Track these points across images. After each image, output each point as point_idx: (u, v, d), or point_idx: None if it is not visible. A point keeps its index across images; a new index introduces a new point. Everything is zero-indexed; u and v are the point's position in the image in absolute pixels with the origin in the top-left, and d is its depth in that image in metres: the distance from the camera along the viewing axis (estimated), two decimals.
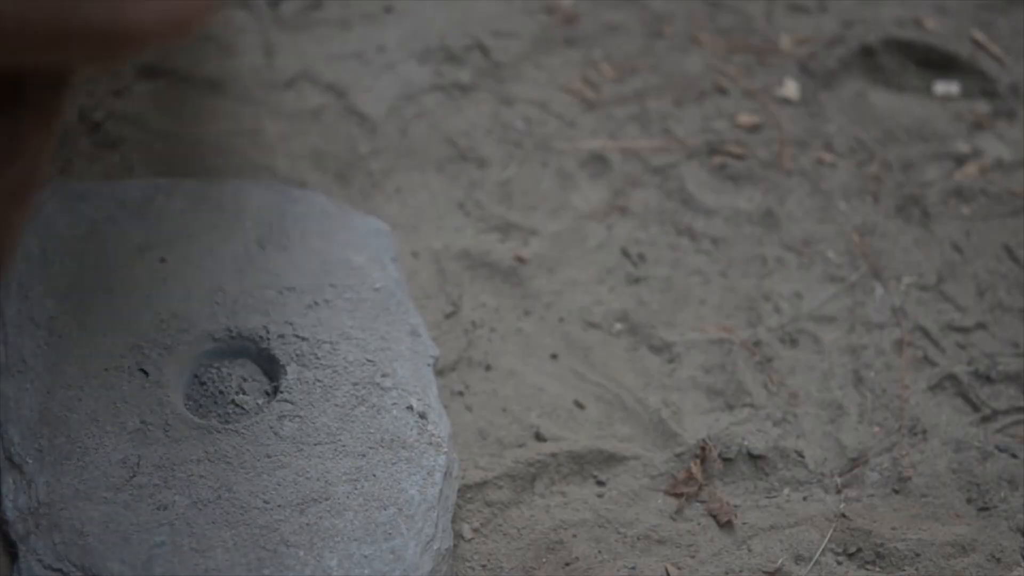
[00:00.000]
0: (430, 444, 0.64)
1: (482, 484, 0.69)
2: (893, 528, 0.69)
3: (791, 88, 0.94)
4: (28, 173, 0.34)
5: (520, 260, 0.81)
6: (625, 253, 0.82)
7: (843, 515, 0.70)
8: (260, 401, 0.66)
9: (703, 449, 0.71)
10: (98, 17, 0.31)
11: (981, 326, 0.80)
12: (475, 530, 0.67)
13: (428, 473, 0.63)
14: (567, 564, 0.66)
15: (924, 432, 0.74)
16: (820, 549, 0.68)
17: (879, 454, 0.73)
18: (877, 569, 0.68)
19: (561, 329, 0.78)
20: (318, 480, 0.62)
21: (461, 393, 0.73)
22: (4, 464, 0.62)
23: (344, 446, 0.63)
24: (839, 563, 0.68)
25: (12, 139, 0.33)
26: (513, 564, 0.66)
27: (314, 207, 0.75)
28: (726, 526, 0.69)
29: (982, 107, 0.94)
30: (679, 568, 0.67)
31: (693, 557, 0.67)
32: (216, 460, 0.62)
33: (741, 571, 0.67)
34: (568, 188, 0.86)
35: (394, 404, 0.66)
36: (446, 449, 0.64)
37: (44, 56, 0.31)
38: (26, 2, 0.30)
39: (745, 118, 0.91)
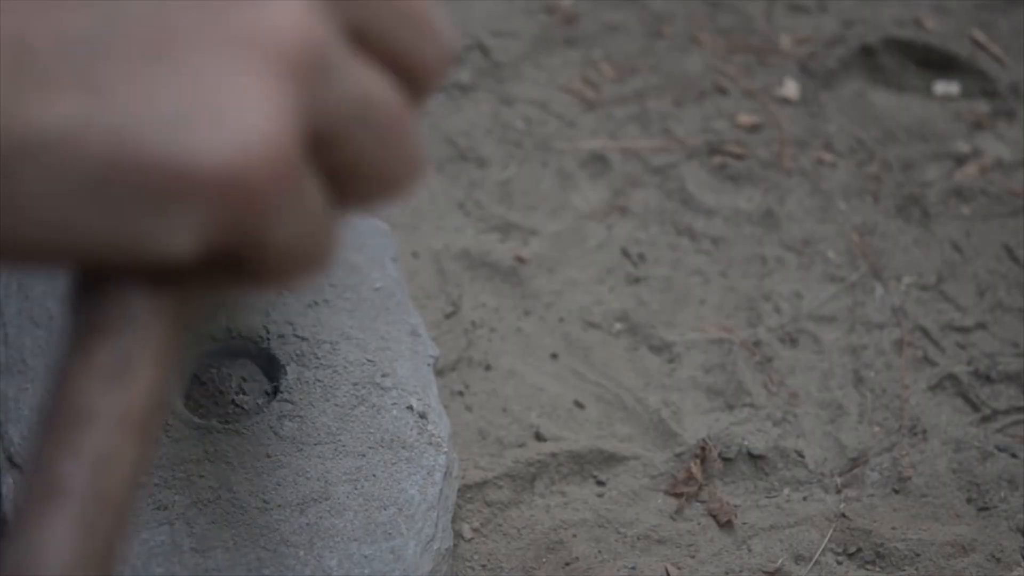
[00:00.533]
0: (430, 444, 0.64)
1: (482, 484, 0.69)
2: (893, 528, 0.69)
3: (791, 88, 0.94)
4: (144, 398, 0.29)
5: (520, 260, 0.81)
6: (625, 253, 0.82)
7: (843, 515, 0.70)
8: (260, 401, 0.66)
9: (703, 449, 0.71)
10: (161, 151, 0.26)
11: (981, 326, 0.80)
12: (475, 530, 0.67)
13: (428, 473, 0.63)
14: (567, 564, 0.66)
15: (924, 432, 0.74)
16: (820, 549, 0.68)
17: (879, 454, 0.73)
18: (877, 569, 0.68)
19: (561, 329, 0.78)
20: (318, 480, 0.62)
21: (461, 393, 0.73)
22: (4, 464, 0.62)
23: (344, 446, 0.63)
24: (839, 563, 0.68)
25: (120, 360, 0.29)
26: (513, 564, 0.66)
27: None
28: (726, 526, 0.69)
29: (982, 107, 0.94)
30: (679, 568, 0.67)
31: (693, 557, 0.67)
32: (216, 460, 0.62)
33: (741, 571, 0.67)
34: (568, 188, 0.86)
35: (394, 404, 0.66)
36: (446, 449, 0.64)
37: (108, 205, 0.27)
38: (81, 120, 0.26)
39: (745, 118, 0.91)
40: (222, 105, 0.27)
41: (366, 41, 0.30)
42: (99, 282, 0.29)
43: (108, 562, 0.29)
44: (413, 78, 0.31)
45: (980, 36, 0.98)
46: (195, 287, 0.30)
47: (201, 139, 0.27)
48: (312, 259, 0.30)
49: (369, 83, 0.30)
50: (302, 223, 0.29)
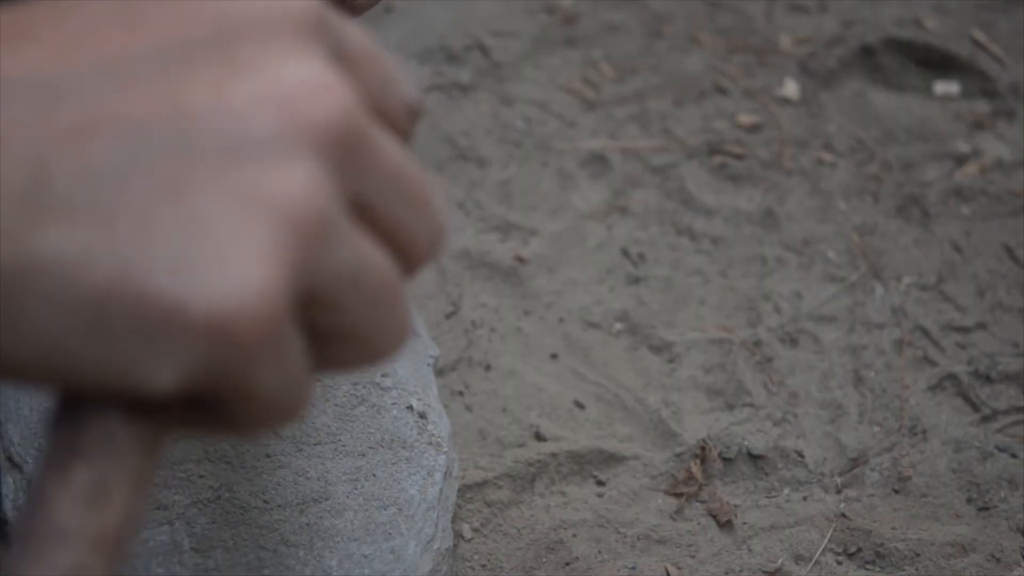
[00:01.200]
0: (430, 444, 0.64)
1: (482, 484, 0.69)
2: (893, 528, 0.69)
3: (791, 88, 0.94)
4: (118, 521, 0.31)
5: (520, 260, 0.81)
6: (625, 253, 0.82)
7: (843, 515, 0.70)
8: None
9: (703, 449, 0.71)
10: (161, 289, 0.28)
11: (981, 326, 0.80)
12: (475, 530, 0.67)
13: (428, 473, 0.63)
14: (567, 564, 0.66)
15: (924, 432, 0.74)
16: (820, 549, 0.68)
17: (879, 454, 0.73)
18: (877, 569, 0.68)
19: (561, 329, 0.78)
20: (318, 480, 0.62)
21: (461, 393, 0.73)
22: (4, 464, 0.62)
23: (344, 446, 0.63)
24: (839, 563, 0.68)
25: (97, 483, 0.30)
26: (513, 564, 0.66)
27: None
28: (726, 526, 0.69)
29: (982, 107, 0.94)
30: (679, 568, 0.67)
31: (693, 557, 0.67)
32: (216, 460, 0.62)
33: (741, 571, 0.67)
34: (568, 188, 0.86)
35: (394, 404, 0.66)
36: (446, 449, 0.64)
37: (102, 336, 0.28)
38: (83, 261, 0.28)
39: (745, 118, 0.91)
40: (222, 256, 0.28)
41: (366, 212, 0.32)
42: (82, 404, 0.31)
43: None
44: (407, 253, 0.33)
45: (980, 36, 0.98)
46: (173, 422, 0.32)
47: (197, 285, 0.28)
48: (285, 413, 0.32)
49: (365, 253, 0.31)
50: (281, 378, 0.30)
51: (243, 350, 0.29)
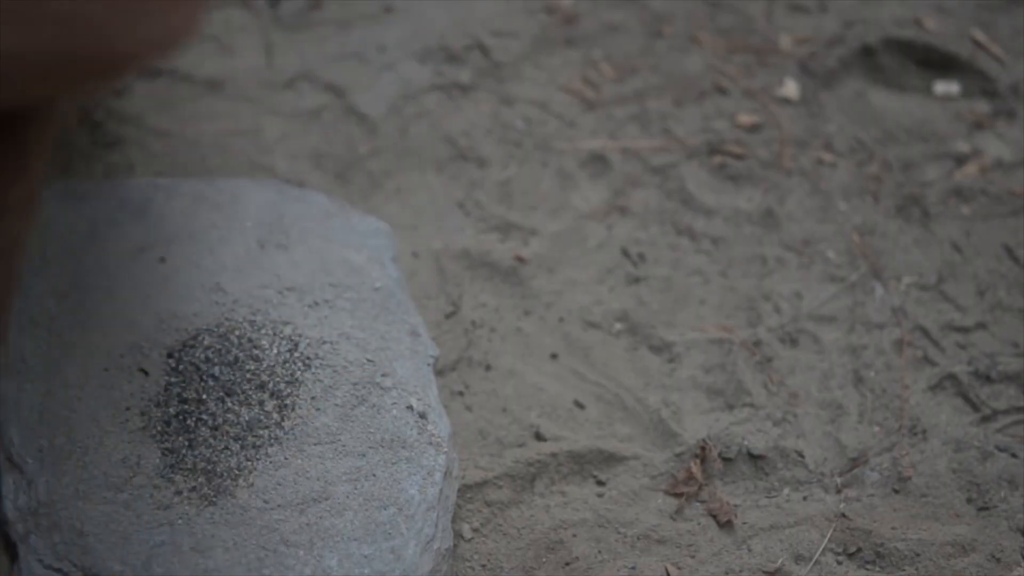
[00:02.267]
0: (430, 444, 0.64)
1: (482, 484, 0.69)
2: (893, 528, 0.69)
3: (791, 88, 0.94)
4: (31, 189, 0.36)
5: (520, 260, 0.81)
6: (625, 253, 0.82)
7: (843, 515, 0.70)
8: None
9: (703, 449, 0.71)
10: (89, 48, 0.33)
11: (981, 326, 0.80)
12: (475, 530, 0.67)
13: (428, 473, 0.63)
14: (567, 564, 0.66)
15: (924, 432, 0.74)
16: (820, 549, 0.68)
17: (879, 454, 0.73)
18: (877, 569, 0.68)
19: (561, 329, 0.78)
20: (318, 480, 0.62)
21: (461, 393, 0.73)
22: (4, 464, 0.62)
23: (344, 446, 0.64)
24: (839, 563, 0.68)
25: (17, 159, 0.35)
26: (513, 564, 0.66)
27: (314, 207, 0.75)
28: (726, 526, 0.69)
29: (982, 107, 0.94)
30: (679, 568, 0.67)
31: (693, 557, 0.67)
32: (216, 460, 0.62)
33: (741, 571, 0.67)
34: (568, 188, 0.86)
35: (394, 404, 0.66)
36: (446, 449, 0.64)
37: (40, 87, 0.33)
38: (24, 36, 0.33)
39: (745, 118, 0.91)
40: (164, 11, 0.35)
41: None
42: None
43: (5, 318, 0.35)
44: None
45: (980, 36, 0.98)
46: None
47: (148, 36, 0.35)
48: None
49: None
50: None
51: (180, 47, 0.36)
